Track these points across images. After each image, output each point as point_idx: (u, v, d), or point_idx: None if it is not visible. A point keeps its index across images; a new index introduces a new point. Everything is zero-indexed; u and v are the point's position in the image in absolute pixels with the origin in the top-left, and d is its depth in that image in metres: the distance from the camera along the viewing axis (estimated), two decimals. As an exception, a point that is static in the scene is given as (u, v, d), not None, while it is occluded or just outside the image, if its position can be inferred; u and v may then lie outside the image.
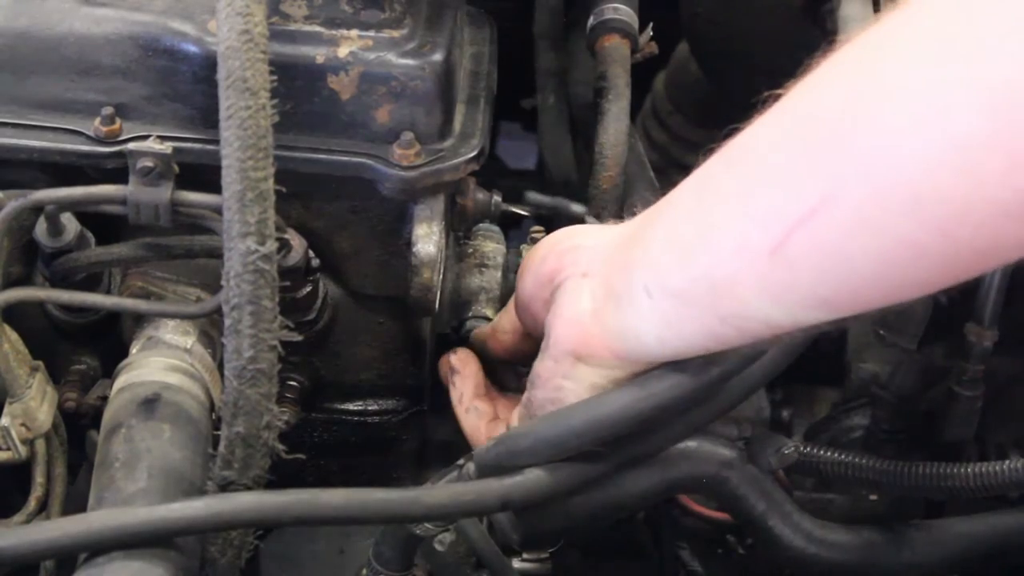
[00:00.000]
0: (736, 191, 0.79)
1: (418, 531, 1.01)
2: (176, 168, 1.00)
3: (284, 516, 0.90)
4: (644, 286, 0.86)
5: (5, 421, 1.00)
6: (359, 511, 0.91)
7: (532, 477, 0.93)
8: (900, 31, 0.71)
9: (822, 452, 1.18)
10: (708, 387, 0.90)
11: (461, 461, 0.97)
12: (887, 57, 0.71)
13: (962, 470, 1.11)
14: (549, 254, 1.00)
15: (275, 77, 0.92)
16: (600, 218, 1.22)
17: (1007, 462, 1.10)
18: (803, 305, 0.78)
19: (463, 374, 1.12)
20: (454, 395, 1.12)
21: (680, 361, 0.90)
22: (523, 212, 1.23)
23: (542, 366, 0.98)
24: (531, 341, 1.05)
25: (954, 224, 0.69)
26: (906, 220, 0.70)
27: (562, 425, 0.93)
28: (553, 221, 1.23)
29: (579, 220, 1.20)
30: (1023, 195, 0.66)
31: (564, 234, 1.01)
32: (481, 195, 1.15)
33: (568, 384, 0.94)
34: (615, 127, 1.24)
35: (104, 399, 1.05)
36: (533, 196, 1.22)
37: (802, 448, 1.18)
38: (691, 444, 1.07)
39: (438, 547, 1.13)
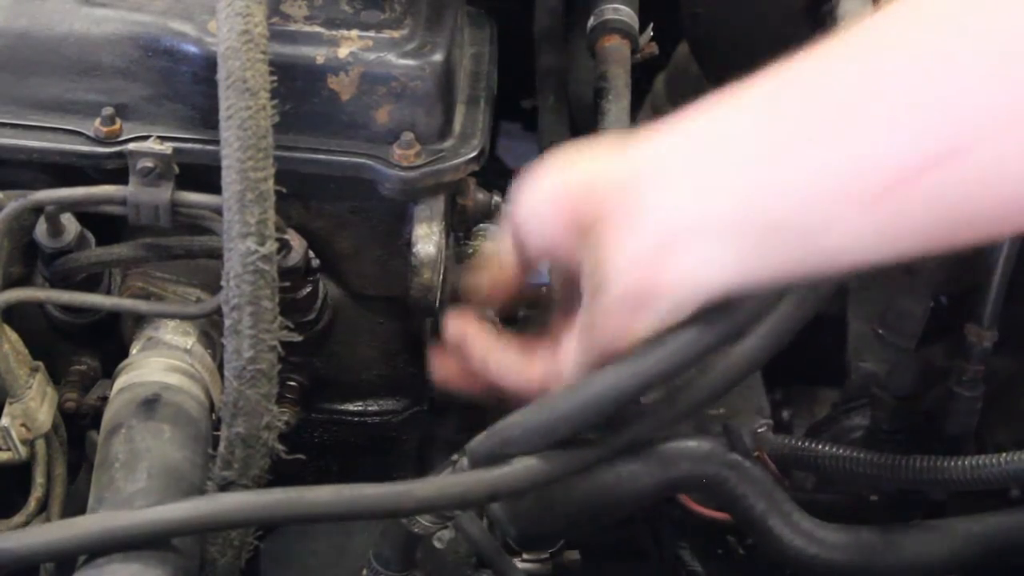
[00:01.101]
0: (861, 112, 0.73)
1: (416, 529, 1.01)
2: (176, 168, 1.00)
3: (273, 515, 0.90)
4: (720, 215, 0.79)
5: (5, 421, 1.00)
6: (348, 507, 0.90)
7: (521, 467, 0.93)
8: None
9: (820, 447, 1.18)
10: (691, 363, 0.87)
11: (455, 456, 0.97)
12: None
13: (958, 463, 1.11)
14: (578, 190, 0.88)
15: (275, 77, 0.93)
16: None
17: (1003, 455, 1.10)
18: (899, 243, 0.74)
19: (470, 338, 0.99)
20: (476, 361, 0.98)
21: (664, 339, 0.86)
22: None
23: (597, 312, 0.88)
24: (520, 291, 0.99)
25: None
26: None
27: (549, 412, 0.92)
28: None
29: None
30: None
31: (589, 165, 0.88)
32: (481, 195, 1.15)
33: (633, 326, 0.86)
34: (615, 128, 1.24)
35: (104, 399, 1.05)
36: None
37: (801, 443, 1.19)
38: (691, 443, 1.07)
39: (437, 544, 1.13)
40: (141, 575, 0.84)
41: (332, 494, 0.90)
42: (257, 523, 0.94)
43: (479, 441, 0.95)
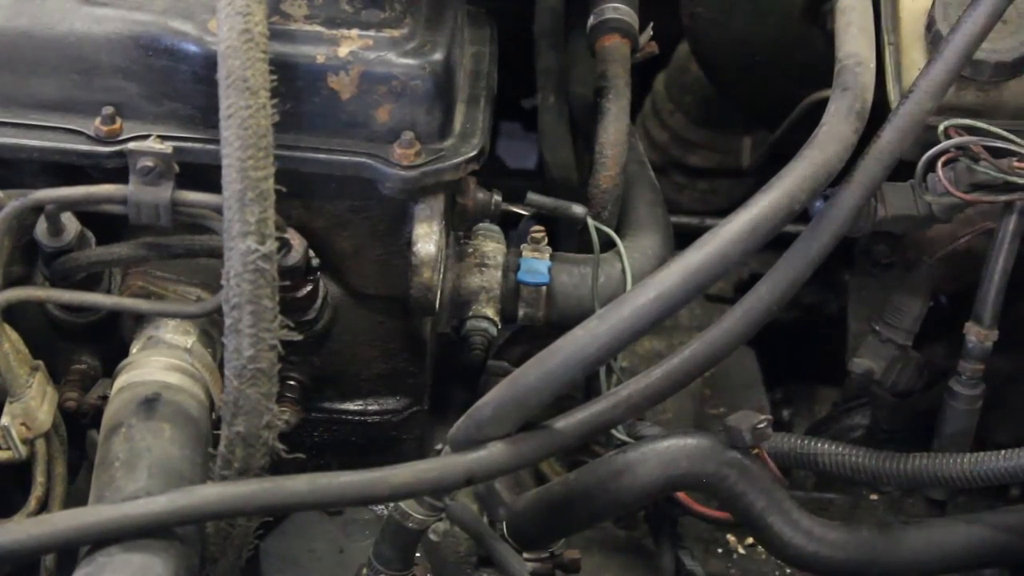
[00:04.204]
0: None
1: (411, 524, 1.01)
2: (176, 167, 1.00)
3: (248, 505, 0.90)
4: None
5: (5, 421, 1.00)
6: (324, 495, 0.91)
7: (495, 451, 0.94)
8: None
9: (820, 445, 1.18)
10: (647, 328, 0.90)
11: (439, 446, 0.98)
12: None
13: (958, 462, 1.11)
14: None
15: (275, 77, 0.93)
16: (600, 218, 1.22)
17: (1003, 452, 1.10)
18: None
19: None
20: None
21: (622, 304, 0.90)
22: (523, 212, 1.23)
23: None
24: None
25: None
26: None
27: (519, 385, 0.93)
28: (553, 221, 1.23)
29: (580, 221, 1.20)
30: None
31: None
32: (481, 195, 1.15)
33: None
34: (615, 127, 1.24)
35: (104, 398, 1.06)
36: (534, 197, 1.22)
37: (801, 441, 1.19)
38: (690, 441, 1.08)
39: (433, 537, 1.13)
40: (144, 569, 0.85)
41: (308, 483, 0.91)
42: (236, 513, 0.94)
43: (457, 427, 0.97)
